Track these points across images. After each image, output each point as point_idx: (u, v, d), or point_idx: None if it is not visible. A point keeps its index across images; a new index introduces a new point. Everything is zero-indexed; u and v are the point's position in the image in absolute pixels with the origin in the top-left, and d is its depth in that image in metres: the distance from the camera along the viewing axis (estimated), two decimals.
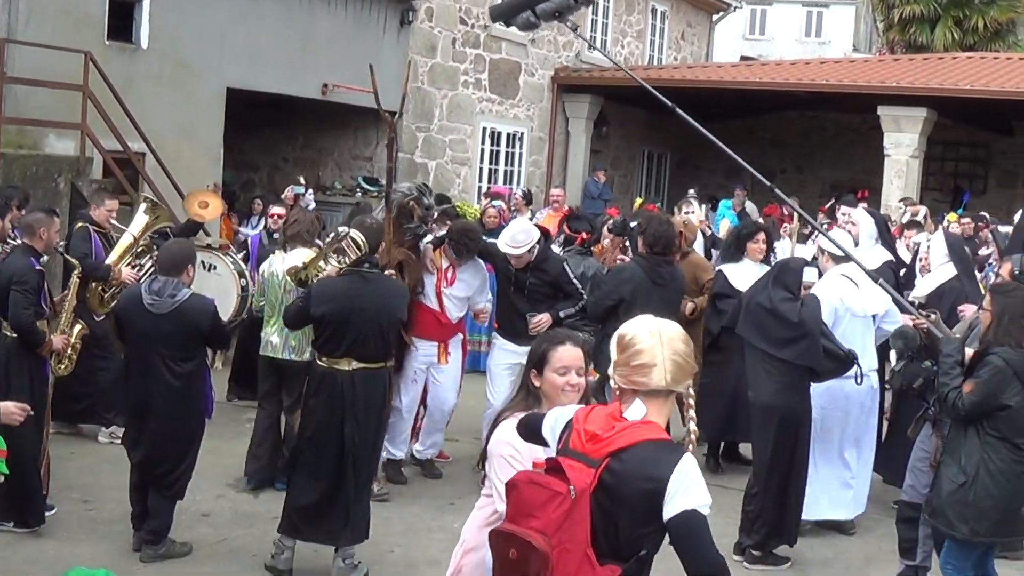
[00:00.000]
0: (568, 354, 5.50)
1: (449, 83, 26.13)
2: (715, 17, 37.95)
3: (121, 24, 18.54)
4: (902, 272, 13.27)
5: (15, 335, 9.50)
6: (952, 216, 19.70)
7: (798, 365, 9.50)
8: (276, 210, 15.71)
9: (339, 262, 9.07)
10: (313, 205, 20.45)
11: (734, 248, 12.33)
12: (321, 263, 9.42)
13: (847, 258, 9.68)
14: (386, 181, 10.60)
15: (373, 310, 8.88)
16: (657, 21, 34.18)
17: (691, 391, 4.79)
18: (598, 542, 4.52)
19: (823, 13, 57.60)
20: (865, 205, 20.41)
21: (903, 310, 9.48)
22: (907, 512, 9.09)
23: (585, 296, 11.61)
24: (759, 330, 9.65)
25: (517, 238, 11.39)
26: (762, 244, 12.26)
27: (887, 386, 15.67)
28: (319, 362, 8.98)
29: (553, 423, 4.88)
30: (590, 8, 30.26)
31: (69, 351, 10.29)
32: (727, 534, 9.57)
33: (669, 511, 4.48)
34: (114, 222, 12.15)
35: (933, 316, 9.02)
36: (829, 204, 22.49)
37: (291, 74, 21.76)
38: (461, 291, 11.52)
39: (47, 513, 9.68)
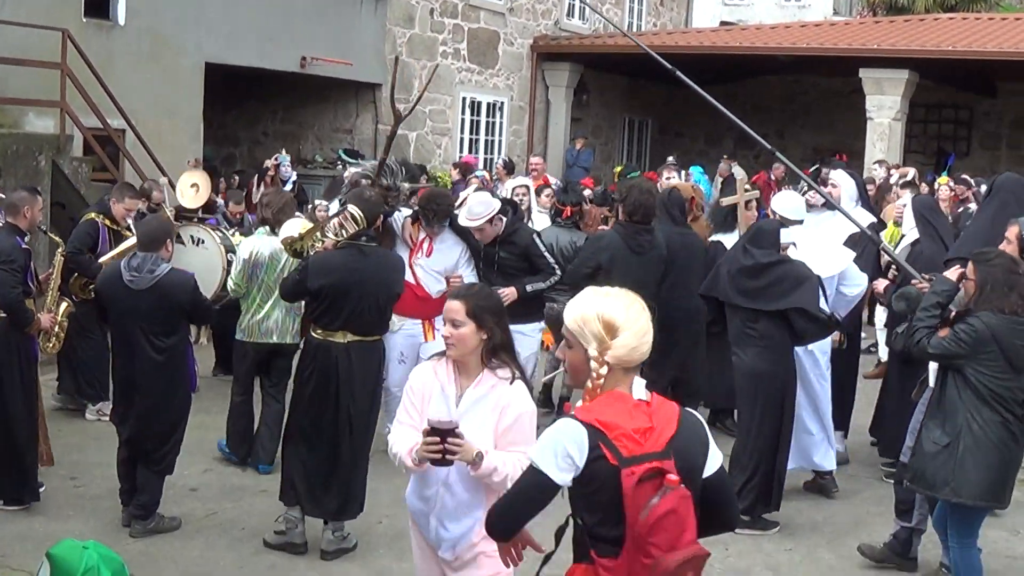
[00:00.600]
0: (449, 306, 5.65)
1: (428, 54, 26.05)
2: None
3: (98, 1, 18.47)
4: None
5: (2, 315, 9.48)
6: (943, 179, 19.65)
7: (781, 328, 9.49)
8: (235, 207, 15.55)
9: (336, 235, 9.04)
10: (294, 178, 20.47)
11: (729, 217, 12.28)
12: (318, 234, 9.38)
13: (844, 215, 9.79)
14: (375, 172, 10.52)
15: (371, 284, 8.83)
16: None
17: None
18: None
19: None
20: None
21: (906, 273, 9.43)
22: (905, 473, 9.09)
23: (557, 270, 11.42)
24: (744, 292, 9.60)
25: (474, 210, 11.14)
26: (754, 212, 12.24)
27: (872, 349, 15.77)
28: (313, 334, 8.95)
29: (565, 452, 4.44)
30: None
31: (56, 329, 10.28)
32: None
33: (710, 468, 4.60)
34: (130, 221, 12.08)
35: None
36: (813, 168, 22.47)
37: (269, 48, 21.73)
38: (438, 263, 11.16)
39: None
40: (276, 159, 20.71)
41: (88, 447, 11.09)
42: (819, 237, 10.66)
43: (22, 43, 16.48)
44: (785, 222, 10.42)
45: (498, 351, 5.65)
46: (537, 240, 11.61)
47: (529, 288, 11.20)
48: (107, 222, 11.97)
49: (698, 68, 30.17)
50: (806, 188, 13.32)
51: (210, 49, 20.33)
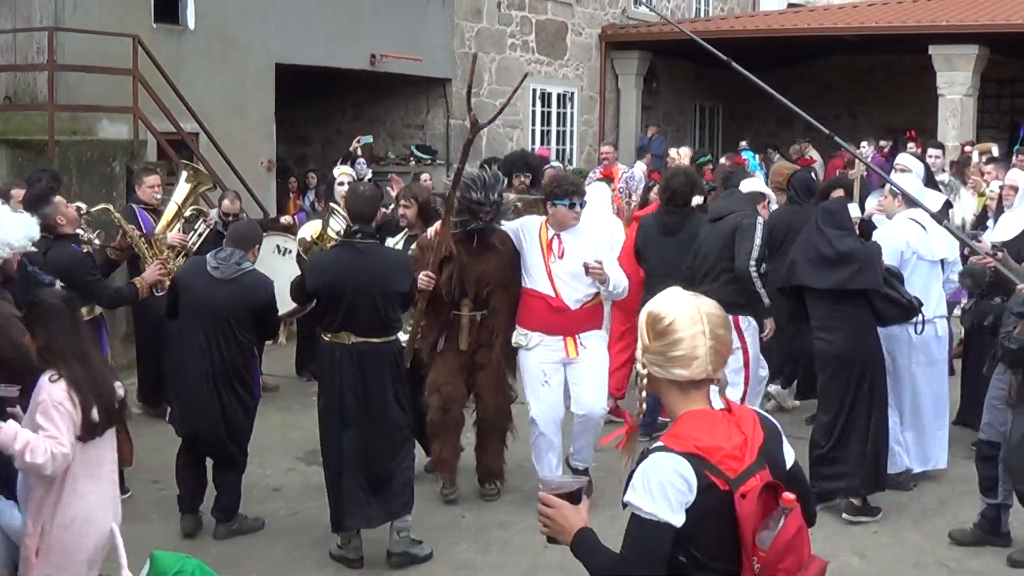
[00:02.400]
0: None
1: (496, 47, 26.06)
2: None
3: (167, 6, 18.61)
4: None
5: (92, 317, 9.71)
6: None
7: (866, 309, 9.42)
8: (227, 204, 14.66)
9: (336, 233, 9.02)
10: (369, 175, 20.54)
11: (804, 193, 12.18)
12: (329, 233, 9.38)
13: (912, 202, 9.63)
14: (451, 187, 9.70)
15: (365, 282, 8.58)
16: None
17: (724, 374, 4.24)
18: None
19: None
20: (914, 147, 20.24)
21: (969, 248, 9.35)
22: (986, 451, 9.01)
23: None
24: (824, 274, 9.51)
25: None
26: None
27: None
28: (323, 337, 8.81)
29: (675, 489, 3.94)
30: None
31: (167, 268, 10.61)
32: None
33: (789, 460, 4.26)
34: (158, 196, 12.20)
35: (1000, 254, 8.95)
36: (888, 146, 22.31)
37: (338, 46, 21.76)
38: (574, 262, 9.73)
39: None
40: (359, 140, 20.81)
41: (169, 450, 11.13)
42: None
43: (93, 50, 16.61)
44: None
45: None
46: None
47: None
48: (142, 206, 12.14)
49: (766, 51, 30.20)
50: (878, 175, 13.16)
51: (279, 49, 20.40)
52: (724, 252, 10.67)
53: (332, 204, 9.10)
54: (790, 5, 38.52)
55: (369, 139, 21.43)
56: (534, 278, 9.86)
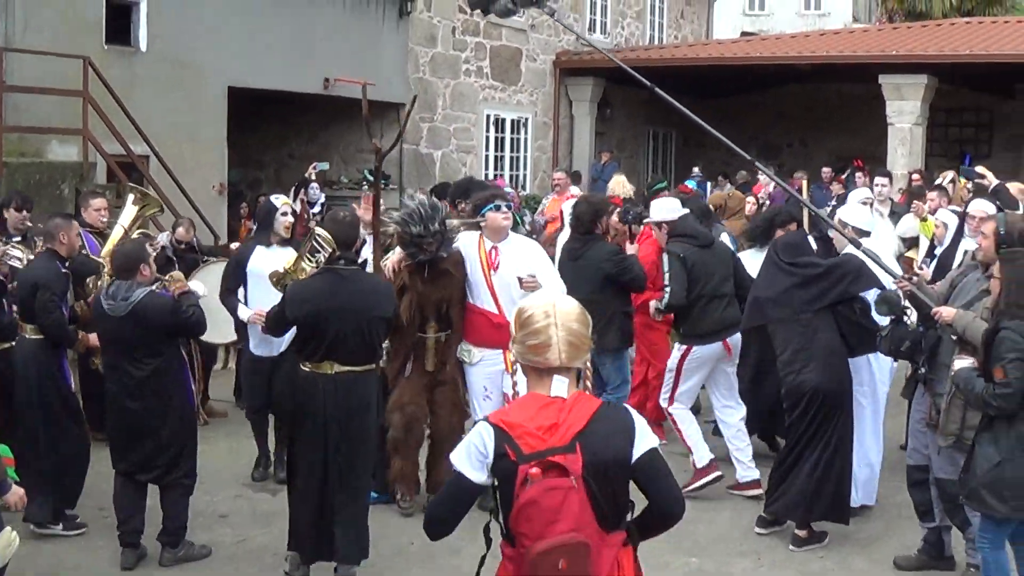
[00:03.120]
0: None
1: (451, 72, 26.12)
2: None
3: (119, 27, 18.56)
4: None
5: (37, 337, 9.63)
6: (962, 181, 19.53)
7: (839, 337, 9.50)
8: (181, 232, 14.14)
9: (318, 263, 8.93)
10: (323, 199, 20.49)
11: (765, 234, 12.08)
12: (303, 264, 9.27)
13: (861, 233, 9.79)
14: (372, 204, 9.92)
15: (351, 309, 8.46)
16: (656, 1, 34.18)
17: (587, 364, 4.88)
18: (600, 517, 4.65)
19: None
20: (862, 175, 20.37)
21: (887, 272, 9.40)
22: (916, 476, 9.06)
23: None
24: (812, 299, 9.55)
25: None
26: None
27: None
28: (302, 367, 8.63)
29: (477, 452, 4.71)
30: None
31: None
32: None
33: (637, 451, 4.72)
34: (104, 220, 12.10)
35: (916, 278, 9.02)
36: (847, 174, 22.43)
37: (292, 69, 21.77)
38: (509, 273, 10.08)
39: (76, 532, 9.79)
40: (315, 167, 20.77)
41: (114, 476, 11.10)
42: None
43: (43, 71, 16.57)
44: (859, 232, 10.23)
45: None
46: None
47: None
48: (88, 229, 11.92)
49: (720, 79, 30.39)
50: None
51: (232, 73, 20.37)
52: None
53: (317, 231, 8.97)
54: (743, 34, 38.81)
55: (325, 166, 21.38)
56: (477, 294, 10.19)
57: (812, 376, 9.46)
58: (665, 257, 10.92)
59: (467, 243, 10.23)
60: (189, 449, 9.26)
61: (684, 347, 10.93)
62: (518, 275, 9.95)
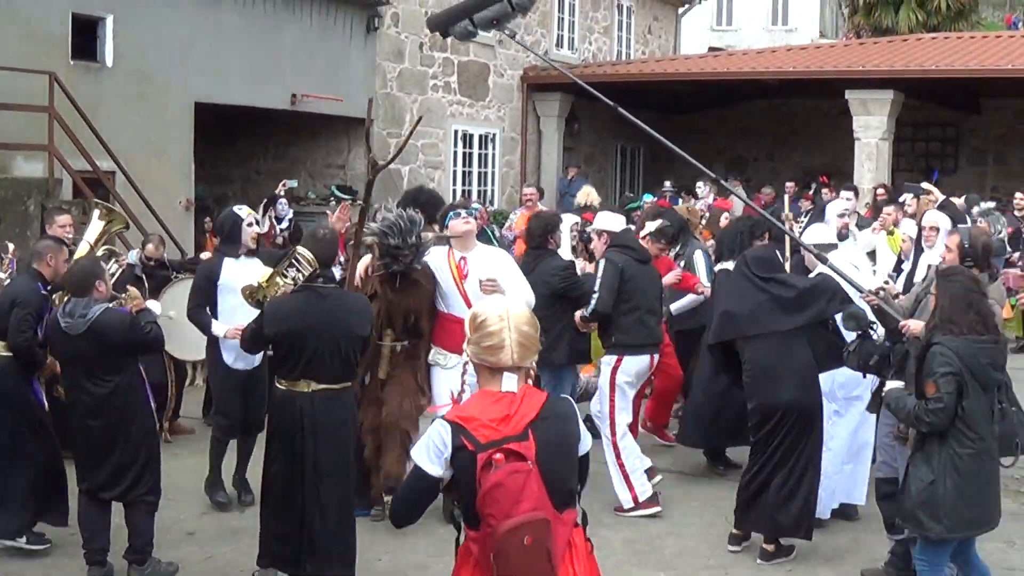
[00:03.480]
0: None
1: (418, 87, 26.13)
2: (681, 10, 38.17)
3: (85, 43, 18.50)
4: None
5: (8, 355, 9.54)
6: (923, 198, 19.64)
7: (810, 353, 9.49)
8: (151, 248, 13.90)
9: (293, 279, 8.89)
10: (290, 215, 20.46)
11: (742, 245, 12.00)
12: (278, 280, 9.21)
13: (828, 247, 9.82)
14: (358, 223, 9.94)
15: (329, 327, 8.42)
16: (623, 16, 34.27)
17: (534, 364, 5.21)
18: (553, 497, 4.99)
19: (789, 1, 57.54)
20: (827, 191, 20.49)
21: (853, 287, 9.41)
22: (884, 488, 9.09)
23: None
24: (787, 316, 9.52)
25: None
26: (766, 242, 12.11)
27: None
28: (278, 385, 8.60)
29: (434, 447, 5.04)
30: (557, 5, 30.39)
31: None
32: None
33: (583, 448, 5.25)
34: (69, 236, 12.03)
35: (883, 292, 9.05)
36: (813, 189, 22.54)
37: (259, 85, 21.74)
38: (475, 283, 10.30)
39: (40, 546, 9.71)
40: (285, 184, 20.72)
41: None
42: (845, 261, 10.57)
43: (8, 87, 16.47)
44: (824, 249, 10.23)
45: None
46: None
47: None
48: None
49: (688, 94, 30.47)
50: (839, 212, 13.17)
51: (199, 88, 20.34)
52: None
53: (298, 250, 8.92)
54: (711, 49, 38.92)
55: (294, 183, 21.38)
56: (451, 303, 10.40)
57: (787, 393, 9.45)
58: (601, 263, 10.92)
59: (437, 256, 10.39)
60: (152, 466, 9.15)
61: (614, 358, 10.90)
62: (479, 278, 10.21)
